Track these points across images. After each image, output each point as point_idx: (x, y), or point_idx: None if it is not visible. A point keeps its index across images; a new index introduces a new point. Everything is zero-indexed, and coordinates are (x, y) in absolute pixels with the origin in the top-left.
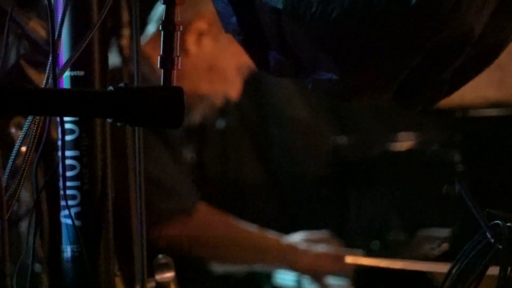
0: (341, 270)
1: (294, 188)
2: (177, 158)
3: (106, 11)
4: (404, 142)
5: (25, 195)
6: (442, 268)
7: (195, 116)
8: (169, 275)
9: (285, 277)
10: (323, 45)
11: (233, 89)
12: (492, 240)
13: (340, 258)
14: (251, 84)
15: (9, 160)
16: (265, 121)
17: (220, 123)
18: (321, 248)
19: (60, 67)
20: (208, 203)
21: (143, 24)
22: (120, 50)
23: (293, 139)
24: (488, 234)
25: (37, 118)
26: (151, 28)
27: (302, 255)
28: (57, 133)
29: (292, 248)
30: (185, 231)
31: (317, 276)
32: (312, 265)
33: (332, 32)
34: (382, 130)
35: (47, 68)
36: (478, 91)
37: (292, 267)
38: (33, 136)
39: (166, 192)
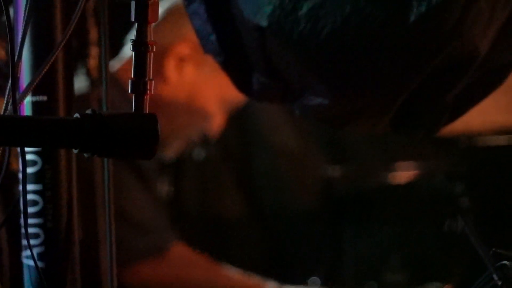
0: None
1: (281, 225)
2: (151, 191)
3: (71, 29)
4: (403, 174)
5: None
6: None
7: (169, 152)
8: None
9: None
10: (312, 66)
11: (214, 124)
12: (499, 283)
13: None
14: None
15: None
16: (248, 150)
17: (199, 154)
18: None
19: (21, 91)
20: (185, 242)
21: (116, 44)
22: (88, 72)
23: (280, 171)
24: (494, 276)
25: None
26: (128, 50)
27: None
28: (17, 164)
29: None
30: (158, 271)
31: None
32: None
33: (323, 51)
34: (379, 160)
35: (6, 93)
36: (484, 116)
37: None
38: None
39: (138, 229)
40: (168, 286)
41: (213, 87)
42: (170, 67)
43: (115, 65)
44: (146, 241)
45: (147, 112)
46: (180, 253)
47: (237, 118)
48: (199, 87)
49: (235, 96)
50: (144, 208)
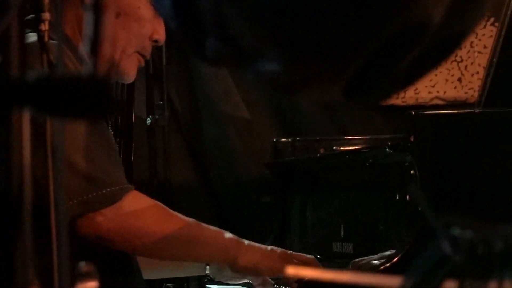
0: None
1: (230, 193)
2: (111, 150)
3: None
4: (353, 143)
5: None
6: (393, 281)
7: None
8: (91, 284)
9: None
10: (266, 31)
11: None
12: (449, 251)
13: (288, 258)
14: (183, 75)
15: None
16: (198, 117)
17: (148, 119)
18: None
19: None
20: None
21: None
22: (40, 36)
23: (229, 139)
24: (444, 244)
25: None
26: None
27: (246, 250)
28: None
29: (236, 241)
30: (115, 220)
31: (260, 275)
32: (256, 262)
33: (277, 16)
34: (329, 129)
35: None
36: (435, 89)
37: (233, 262)
38: None
39: (95, 183)
40: (125, 234)
41: None
42: None
43: None
44: (102, 195)
45: (101, 74)
46: (135, 200)
47: (187, 85)
48: None
49: None
50: (103, 165)
